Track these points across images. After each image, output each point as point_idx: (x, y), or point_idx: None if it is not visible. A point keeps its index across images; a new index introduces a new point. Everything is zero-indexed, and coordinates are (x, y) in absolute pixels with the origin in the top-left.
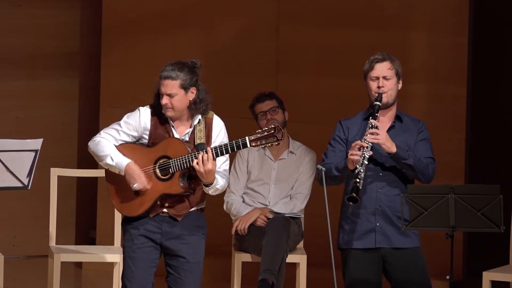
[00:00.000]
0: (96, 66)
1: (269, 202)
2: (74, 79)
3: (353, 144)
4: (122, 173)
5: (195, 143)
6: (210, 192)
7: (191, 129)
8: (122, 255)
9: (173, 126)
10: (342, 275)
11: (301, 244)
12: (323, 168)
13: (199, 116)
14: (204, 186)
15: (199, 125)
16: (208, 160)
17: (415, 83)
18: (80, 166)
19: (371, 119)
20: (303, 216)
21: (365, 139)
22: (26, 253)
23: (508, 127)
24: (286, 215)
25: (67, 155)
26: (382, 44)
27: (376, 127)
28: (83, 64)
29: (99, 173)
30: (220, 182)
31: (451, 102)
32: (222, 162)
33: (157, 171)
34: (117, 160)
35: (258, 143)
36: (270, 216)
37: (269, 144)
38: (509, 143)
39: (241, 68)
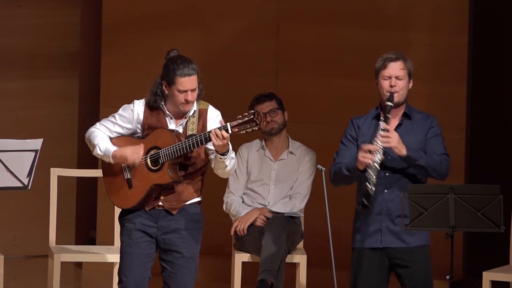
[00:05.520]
0: (96, 66)
1: (268, 203)
2: (74, 79)
3: (362, 146)
4: (112, 161)
5: (187, 134)
6: (227, 163)
7: (185, 120)
8: None
9: (171, 118)
10: (349, 275)
11: (301, 244)
12: (323, 169)
13: (194, 107)
14: (221, 157)
15: (193, 117)
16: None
17: (415, 82)
18: (80, 166)
19: (382, 122)
20: (302, 216)
21: (376, 142)
22: (26, 253)
23: (508, 127)
24: (285, 215)
25: (67, 155)
26: (382, 44)
27: (387, 130)
28: (83, 64)
29: (99, 173)
30: (232, 155)
31: (451, 101)
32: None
33: (148, 162)
34: (104, 148)
35: (241, 128)
36: (269, 216)
37: (250, 130)
38: (509, 143)
39: (241, 68)
